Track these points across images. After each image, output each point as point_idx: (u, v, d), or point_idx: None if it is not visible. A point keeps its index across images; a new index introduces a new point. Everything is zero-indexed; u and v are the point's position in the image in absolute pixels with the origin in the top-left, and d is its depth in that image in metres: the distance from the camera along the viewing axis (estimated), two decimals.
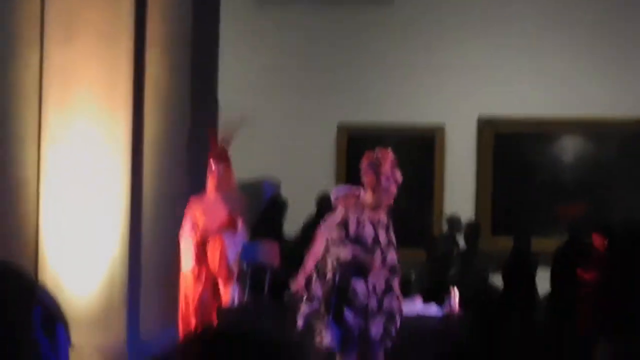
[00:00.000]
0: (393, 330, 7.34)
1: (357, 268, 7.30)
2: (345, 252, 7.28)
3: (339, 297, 7.28)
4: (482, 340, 7.25)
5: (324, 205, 9.96)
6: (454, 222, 11.80)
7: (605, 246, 9.46)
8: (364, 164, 7.45)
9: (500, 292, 10.75)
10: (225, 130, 8.75)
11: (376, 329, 7.26)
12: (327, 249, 7.41)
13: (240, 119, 8.84)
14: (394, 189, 7.41)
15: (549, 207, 12.15)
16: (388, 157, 7.42)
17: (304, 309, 7.44)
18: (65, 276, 8.59)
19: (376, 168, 7.36)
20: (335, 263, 7.30)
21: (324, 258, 7.43)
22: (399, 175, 7.41)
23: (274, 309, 8.46)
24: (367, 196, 7.48)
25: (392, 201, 7.48)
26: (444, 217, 12.15)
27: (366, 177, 7.43)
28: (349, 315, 7.24)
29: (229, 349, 1.28)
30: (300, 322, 7.42)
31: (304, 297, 7.61)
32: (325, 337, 7.26)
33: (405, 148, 11.25)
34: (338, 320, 7.25)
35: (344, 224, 7.37)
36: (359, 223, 7.37)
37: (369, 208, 7.43)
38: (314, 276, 7.57)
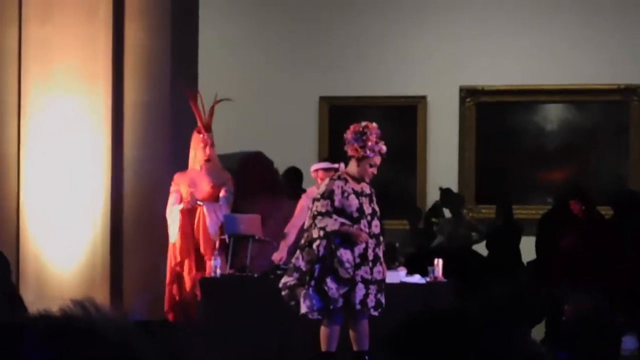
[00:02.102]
0: (383, 299, 7.37)
1: (343, 238, 7.31)
2: (331, 223, 7.29)
3: (323, 267, 7.29)
4: (465, 306, 7.26)
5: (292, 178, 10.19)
6: (439, 192, 11.79)
7: (582, 212, 9.49)
8: (349, 135, 7.45)
9: (484, 260, 10.78)
10: (208, 109, 8.74)
11: (361, 298, 7.28)
12: (312, 219, 7.40)
13: (221, 94, 8.82)
14: (378, 161, 7.44)
15: (532, 175, 12.17)
16: (373, 129, 7.45)
17: (286, 279, 7.45)
18: (48, 252, 8.55)
19: (361, 140, 7.38)
20: (321, 234, 7.30)
21: (308, 229, 7.43)
22: (383, 147, 7.44)
23: (256, 280, 8.45)
24: (351, 168, 7.49)
25: (376, 172, 7.50)
26: (428, 188, 12.15)
27: (351, 148, 7.43)
28: (331, 285, 7.25)
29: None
30: (283, 292, 7.42)
31: (287, 267, 7.61)
32: (307, 307, 7.27)
33: (388, 120, 11.21)
34: (320, 290, 7.27)
35: (328, 196, 7.37)
36: (343, 194, 7.37)
37: (353, 179, 7.44)
38: (297, 247, 7.57)
